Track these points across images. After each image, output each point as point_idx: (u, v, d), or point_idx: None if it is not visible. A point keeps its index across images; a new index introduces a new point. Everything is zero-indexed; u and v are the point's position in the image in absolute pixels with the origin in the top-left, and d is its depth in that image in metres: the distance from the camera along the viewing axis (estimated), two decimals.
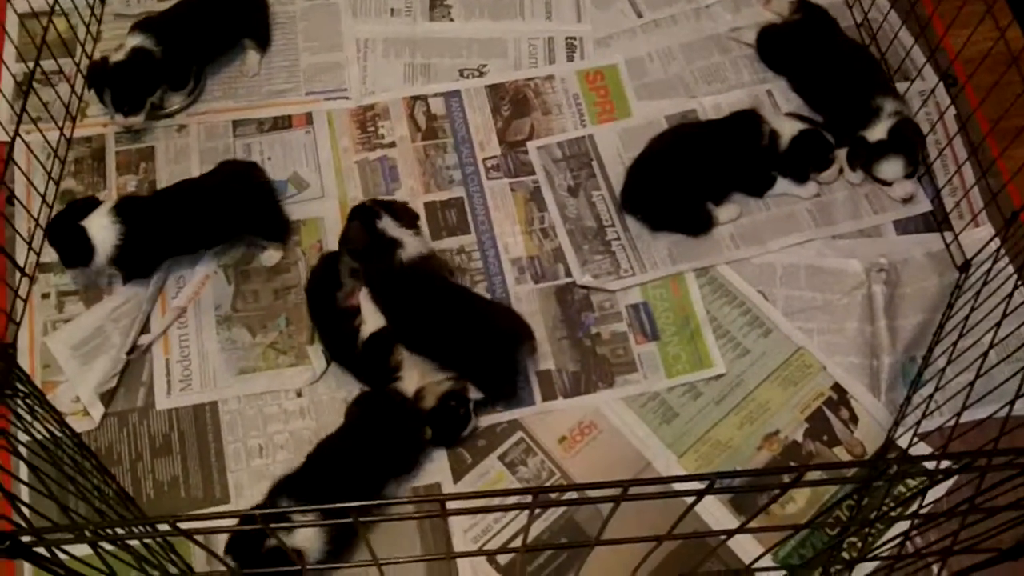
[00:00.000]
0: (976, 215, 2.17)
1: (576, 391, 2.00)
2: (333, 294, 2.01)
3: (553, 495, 1.74)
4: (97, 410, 1.96)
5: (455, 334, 1.93)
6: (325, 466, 1.82)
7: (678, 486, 1.12)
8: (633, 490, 1.04)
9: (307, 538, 1.69)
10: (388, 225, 1.96)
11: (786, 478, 1.11)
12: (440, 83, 2.37)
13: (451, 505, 1.66)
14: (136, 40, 2.19)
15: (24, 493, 1.66)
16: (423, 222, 2.15)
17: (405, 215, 2.02)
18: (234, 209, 2.06)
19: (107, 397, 1.97)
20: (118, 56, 2.18)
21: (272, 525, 1.37)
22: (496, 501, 1.82)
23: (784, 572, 1.83)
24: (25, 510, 1.19)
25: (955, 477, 1.82)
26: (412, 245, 1.95)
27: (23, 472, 1.55)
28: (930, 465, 1.69)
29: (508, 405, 1.98)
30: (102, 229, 1.97)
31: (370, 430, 1.87)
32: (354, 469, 1.81)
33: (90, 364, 1.99)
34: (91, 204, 2.00)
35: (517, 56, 2.41)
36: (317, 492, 1.75)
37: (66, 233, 1.97)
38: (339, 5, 2.47)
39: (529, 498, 1.04)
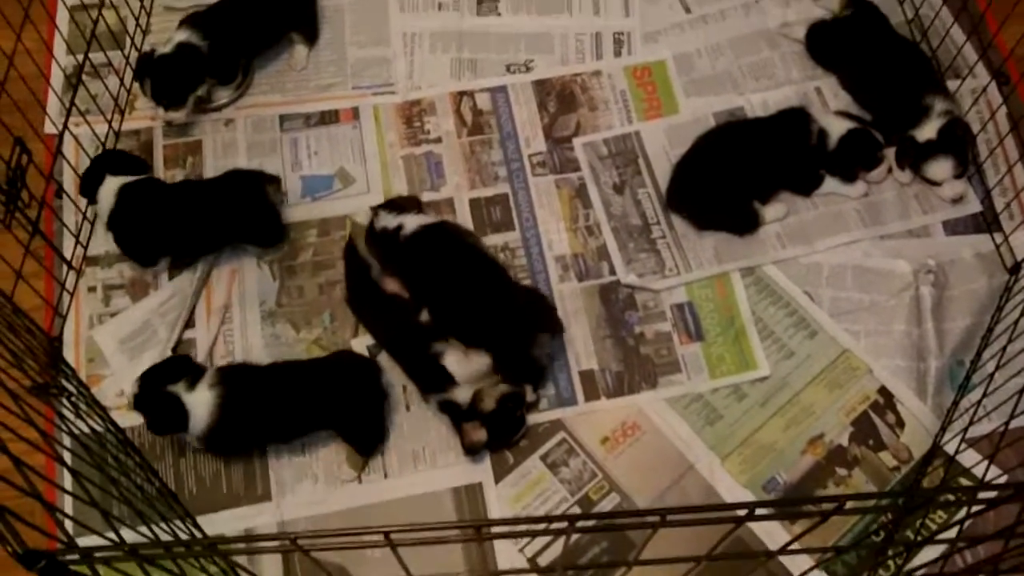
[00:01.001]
0: None
1: (619, 391, 1.99)
2: (371, 281, 2.03)
3: (590, 522, 1.73)
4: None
5: (472, 303, 1.92)
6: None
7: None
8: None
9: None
10: (385, 220, 2.00)
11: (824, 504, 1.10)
12: (487, 78, 2.36)
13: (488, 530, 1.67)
14: (183, 35, 2.20)
15: (67, 502, 1.68)
16: (467, 219, 2.17)
17: (402, 204, 2.05)
18: (231, 216, 2.07)
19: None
20: (164, 50, 2.19)
21: None
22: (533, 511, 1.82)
23: None
24: (68, 523, 1.20)
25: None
26: (412, 221, 1.98)
27: (66, 480, 1.58)
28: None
29: (550, 403, 1.98)
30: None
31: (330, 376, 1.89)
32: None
33: (138, 358, 2.00)
34: None
35: (564, 51, 2.40)
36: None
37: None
38: None
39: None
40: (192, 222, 2.06)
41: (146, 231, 2.07)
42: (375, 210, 2.04)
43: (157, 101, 2.19)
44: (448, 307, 1.93)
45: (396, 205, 2.05)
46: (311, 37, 2.40)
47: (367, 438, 1.93)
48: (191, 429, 1.83)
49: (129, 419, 1.94)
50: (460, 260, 1.97)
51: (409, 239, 1.97)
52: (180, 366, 1.88)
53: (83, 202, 2.14)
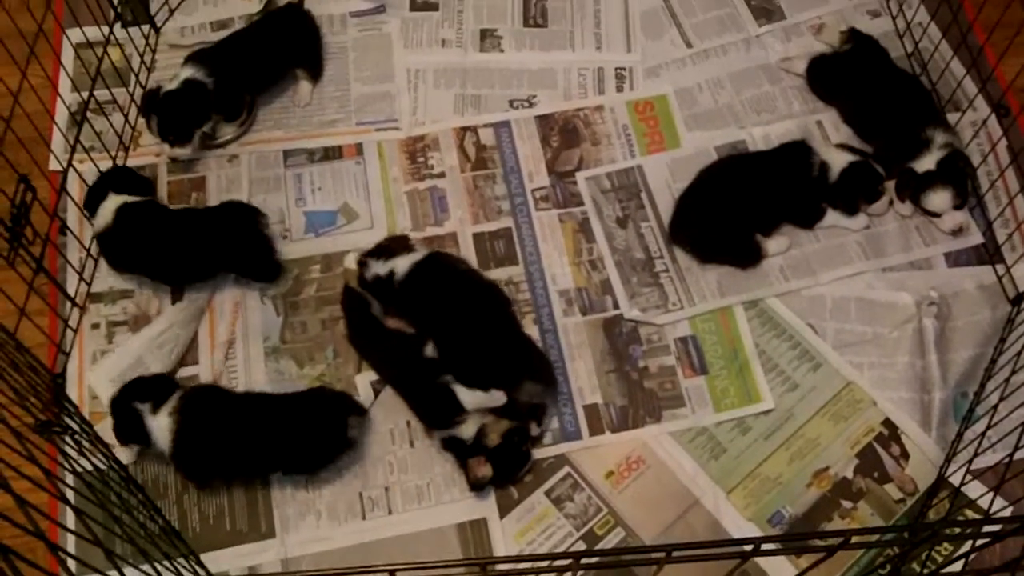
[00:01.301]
0: None
1: (624, 425, 1.99)
2: (372, 318, 2.03)
3: (595, 559, 1.72)
4: None
5: (467, 342, 1.92)
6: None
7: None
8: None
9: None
10: (376, 268, 2.00)
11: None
12: (490, 113, 2.37)
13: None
14: (189, 72, 2.21)
15: (70, 541, 1.67)
16: (471, 253, 2.18)
17: (391, 248, 2.04)
18: (222, 246, 2.07)
19: None
20: (171, 86, 2.20)
21: None
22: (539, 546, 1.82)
23: None
24: (71, 562, 1.20)
25: (1009, 515, 1.80)
26: (402, 264, 1.98)
27: (69, 519, 1.57)
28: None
29: (554, 437, 1.98)
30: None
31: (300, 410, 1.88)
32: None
33: None
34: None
35: (567, 86, 2.42)
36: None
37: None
38: (391, 35, 2.48)
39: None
40: (181, 248, 2.07)
41: (134, 250, 2.09)
42: (363, 260, 2.04)
43: (163, 137, 2.20)
44: (450, 342, 1.93)
45: (384, 250, 2.03)
46: (315, 74, 2.41)
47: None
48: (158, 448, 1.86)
49: (127, 455, 1.94)
50: (456, 294, 1.97)
51: (403, 282, 1.97)
52: (157, 386, 1.89)
53: (87, 239, 2.14)
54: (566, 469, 1.95)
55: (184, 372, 2.04)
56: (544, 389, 1.98)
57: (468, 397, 1.86)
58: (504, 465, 1.88)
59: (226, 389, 1.97)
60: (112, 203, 2.07)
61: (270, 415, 1.88)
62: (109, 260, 2.13)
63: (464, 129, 2.35)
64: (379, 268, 2.00)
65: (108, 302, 2.13)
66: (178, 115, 2.19)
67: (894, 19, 2.46)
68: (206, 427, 1.86)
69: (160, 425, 1.84)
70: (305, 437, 1.87)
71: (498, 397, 1.85)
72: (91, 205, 2.10)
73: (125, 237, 2.07)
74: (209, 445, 1.86)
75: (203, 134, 2.25)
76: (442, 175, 2.29)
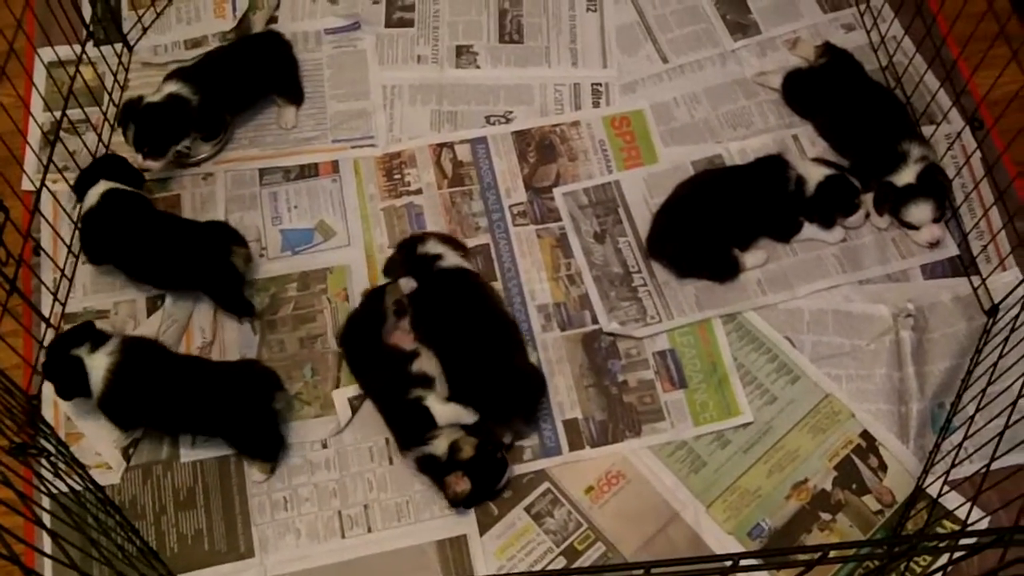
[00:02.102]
0: (1003, 259, 2.15)
1: (603, 440, 1.99)
2: (376, 329, 2.03)
3: None
4: (118, 464, 1.96)
5: (470, 355, 1.94)
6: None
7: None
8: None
9: None
10: (431, 245, 2.04)
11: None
12: (467, 130, 2.37)
13: None
14: (174, 87, 2.21)
15: (47, 565, 1.65)
16: None
17: (451, 241, 2.10)
18: (192, 267, 2.07)
19: (128, 450, 1.98)
20: (154, 98, 2.19)
21: None
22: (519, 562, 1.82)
23: None
24: None
25: (986, 525, 1.81)
26: (451, 257, 2.02)
27: (45, 543, 1.55)
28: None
29: (534, 453, 1.97)
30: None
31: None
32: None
33: (102, 420, 1.98)
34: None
35: (543, 102, 2.42)
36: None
37: None
38: (366, 52, 2.48)
39: None
40: (158, 249, 2.07)
41: (112, 239, 2.09)
42: (422, 236, 2.11)
43: (138, 148, 2.18)
44: (456, 363, 1.95)
45: (441, 236, 2.12)
46: (295, 100, 2.40)
47: (264, 449, 1.96)
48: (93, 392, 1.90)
49: (108, 478, 1.94)
50: (474, 316, 1.99)
51: (440, 274, 2.02)
52: (86, 332, 1.93)
53: (61, 259, 2.13)
54: (546, 484, 1.94)
55: None
56: (529, 426, 2.00)
57: (441, 411, 1.87)
58: (482, 476, 1.87)
59: (164, 347, 2.01)
60: (101, 187, 2.09)
61: (201, 376, 1.94)
62: (87, 248, 2.13)
63: (441, 145, 2.35)
64: (435, 247, 2.05)
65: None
66: (157, 128, 2.18)
67: (868, 33, 2.48)
68: (140, 373, 1.90)
69: (97, 365, 1.88)
70: (232, 401, 1.92)
71: (470, 415, 1.86)
72: (81, 187, 2.11)
73: (106, 223, 2.08)
74: (140, 391, 1.90)
75: (177, 152, 2.23)
76: (419, 192, 2.28)
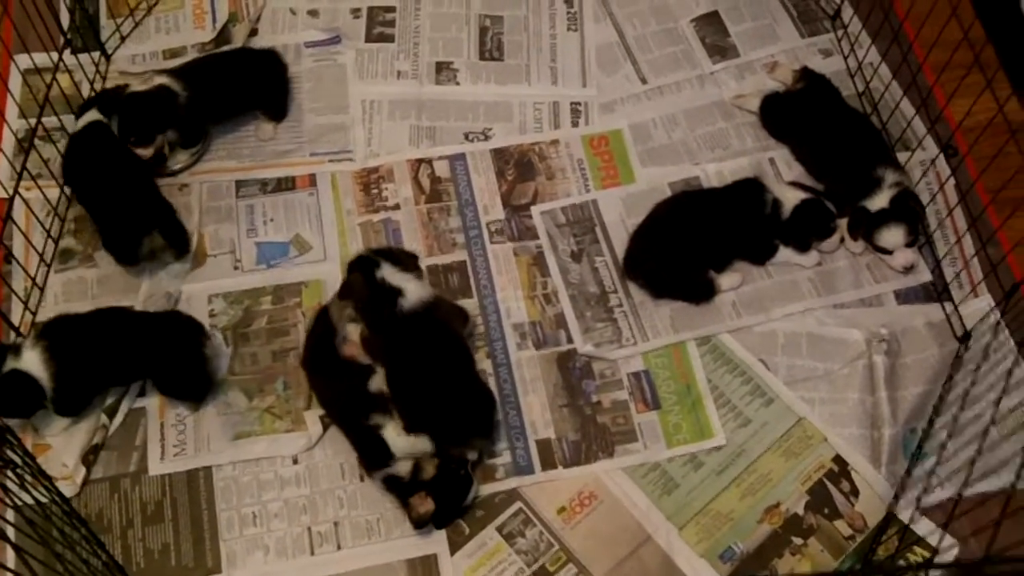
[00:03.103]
0: (976, 286, 2.16)
1: (576, 460, 1.98)
2: (332, 345, 2.00)
3: None
4: (80, 474, 1.94)
5: (430, 400, 1.91)
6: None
7: None
8: None
9: None
10: (388, 273, 1.95)
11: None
12: (445, 146, 2.37)
13: None
14: (165, 79, 2.21)
15: None
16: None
17: (405, 259, 2.01)
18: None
19: (90, 459, 1.96)
20: (140, 88, 2.20)
21: None
22: None
23: None
24: None
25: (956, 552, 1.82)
26: (413, 292, 1.94)
27: (9, 558, 1.53)
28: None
29: (507, 471, 1.97)
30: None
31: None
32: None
33: (71, 429, 1.98)
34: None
35: (522, 120, 2.42)
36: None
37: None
38: (345, 66, 2.48)
39: None
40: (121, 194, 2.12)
41: (82, 166, 2.16)
42: (377, 259, 1.98)
43: (124, 137, 2.17)
44: (409, 390, 1.92)
45: (401, 259, 2.00)
46: (278, 118, 2.39)
47: (192, 391, 2.01)
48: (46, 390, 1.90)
49: (68, 489, 1.91)
50: (427, 344, 1.95)
51: (407, 312, 1.93)
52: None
53: (32, 268, 2.11)
54: (518, 504, 1.93)
55: (137, 404, 2.03)
56: (490, 443, 1.99)
57: (397, 444, 1.86)
58: (447, 495, 1.86)
59: (76, 313, 2.01)
60: (91, 116, 2.16)
61: (131, 323, 2.00)
62: (64, 168, 2.20)
63: (419, 161, 2.34)
64: (393, 278, 1.94)
65: None
66: (144, 115, 2.18)
67: (846, 59, 2.50)
68: (72, 342, 1.93)
69: (32, 361, 1.89)
70: (163, 349, 1.97)
71: (426, 444, 1.85)
72: (81, 110, 2.21)
73: (82, 149, 2.16)
74: (81, 357, 1.93)
75: (159, 153, 2.22)
76: (396, 207, 2.28)
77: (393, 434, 1.87)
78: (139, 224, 2.10)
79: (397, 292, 1.93)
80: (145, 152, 2.19)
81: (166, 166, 2.28)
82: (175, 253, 2.16)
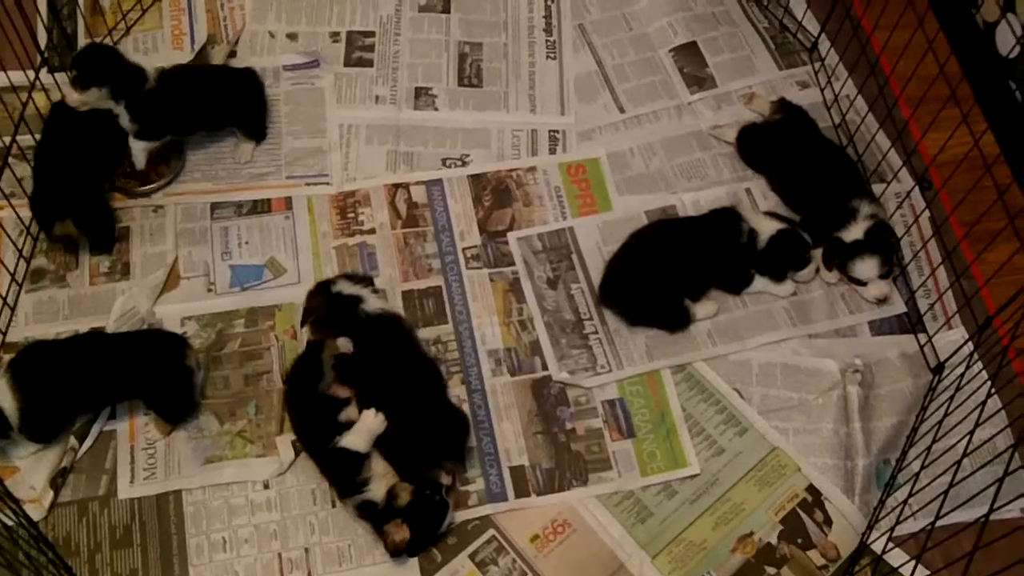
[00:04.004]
0: (949, 318, 2.18)
1: (550, 488, 1.98)
2: (315, 382, 1.99)
3: None
4: (47, 497, 1.92)
5: (402, 420, 1.91)
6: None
7: None
8: None
9: None
10: (344, 286, 1.98)
11: None
12: (423, 171, 2.37)
13: None
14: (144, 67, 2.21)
15: None
16: (400, 309, 2.14)
17: (360, 278, 2.04)
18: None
19: (59, 482, 1.93)
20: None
21: None
22: None
23: None
24: None
25: None
26: (373, 300, 1.97)
27: None
28: None
29: (480, 498, 1.96)
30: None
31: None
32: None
33: (39, 453, 1.96)
34: None
35: (500, 147, 2.42)
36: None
37: None
38: (323, 90, 2.47)
39: None
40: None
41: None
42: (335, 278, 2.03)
43: (71, 68, 2.15)
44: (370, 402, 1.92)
45: (356, 277, 2.04)
46: (257, 137, 2.38)
47: (173, 409, 2.00)
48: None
49: (35, 512, 1.89)
50: (392, 360, 1.96)
51: (366, 320, 1.96)
52: None
53: (3, 287, 2.09)
54: (491, 532, 1.92)
55: (108, 426, 2.01)
56: (461, 466, 1.99)
57: (352, 439, 1.87)
58: (422, 521, 1.84)
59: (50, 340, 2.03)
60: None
61: (106, 352, 1.98)
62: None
63: (396, 186, 2.34)
64: (350, 289, 1.98)
65: None
66: (92, 60, 2.16)
67: (822, 91, 2.51)
68: (45, 371, 1.91)
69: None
70: (148, 366, 1.96)
71: (379, 420, 1.88)
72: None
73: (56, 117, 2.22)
74: (54, 386, 1.91)
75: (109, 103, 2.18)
76: (372, 231, 2.27)
77: (347, 435, 1.87)
78: (53, 207, 2.12)
79: (357, 299, 1.96)
80: (77, 96, 2.14)
81: (144, 182, 2.28)
82: (90, 245, 2.20)
